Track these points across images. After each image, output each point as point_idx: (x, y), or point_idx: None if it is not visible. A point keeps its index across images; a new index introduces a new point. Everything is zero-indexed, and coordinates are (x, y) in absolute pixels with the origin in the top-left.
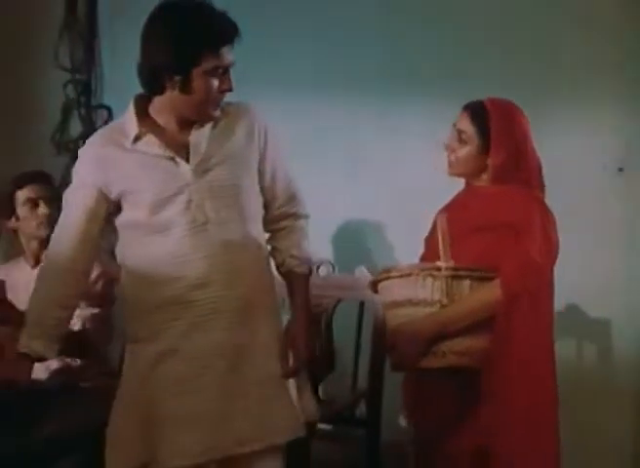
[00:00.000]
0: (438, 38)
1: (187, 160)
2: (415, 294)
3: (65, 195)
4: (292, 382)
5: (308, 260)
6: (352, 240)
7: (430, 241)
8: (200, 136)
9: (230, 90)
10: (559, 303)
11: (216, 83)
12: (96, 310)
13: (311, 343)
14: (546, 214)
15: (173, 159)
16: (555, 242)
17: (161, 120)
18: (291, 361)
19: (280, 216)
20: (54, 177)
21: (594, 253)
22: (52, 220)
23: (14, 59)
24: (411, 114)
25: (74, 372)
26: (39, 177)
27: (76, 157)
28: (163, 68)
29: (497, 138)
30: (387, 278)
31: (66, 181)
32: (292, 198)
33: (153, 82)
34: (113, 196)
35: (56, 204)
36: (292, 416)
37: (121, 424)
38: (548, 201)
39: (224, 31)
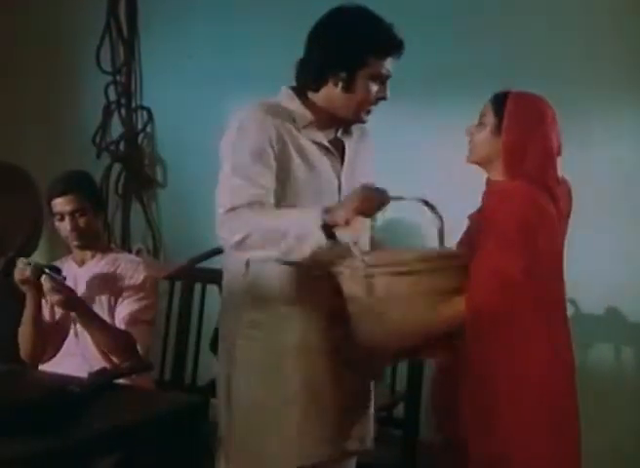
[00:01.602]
0: (485, 40)
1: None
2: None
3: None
4: None
5: None
6: (392, 241)
7: (463, 241)
8: (349, 143)
9: (385, 98)
10: (598, 307)
11: (375, 88)
12: (144, 312)
13: None
14: (542, 220)
15: (334, 154)
16: (545, 251)
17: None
18: None
19: None
20: (92, 177)
21: (633, 257)
22: (76, 233)
23: (56, 62)
24: (458, 114)
25: (116, 372)
26: (72, 187)
27: (117, 159)
28: (332, 64)
29: (510, 114)
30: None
31: (107, 181)
32: None
33: (318, 77)
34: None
35: (79, 213)
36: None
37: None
38: (588, 200)
39: (395, 42)
